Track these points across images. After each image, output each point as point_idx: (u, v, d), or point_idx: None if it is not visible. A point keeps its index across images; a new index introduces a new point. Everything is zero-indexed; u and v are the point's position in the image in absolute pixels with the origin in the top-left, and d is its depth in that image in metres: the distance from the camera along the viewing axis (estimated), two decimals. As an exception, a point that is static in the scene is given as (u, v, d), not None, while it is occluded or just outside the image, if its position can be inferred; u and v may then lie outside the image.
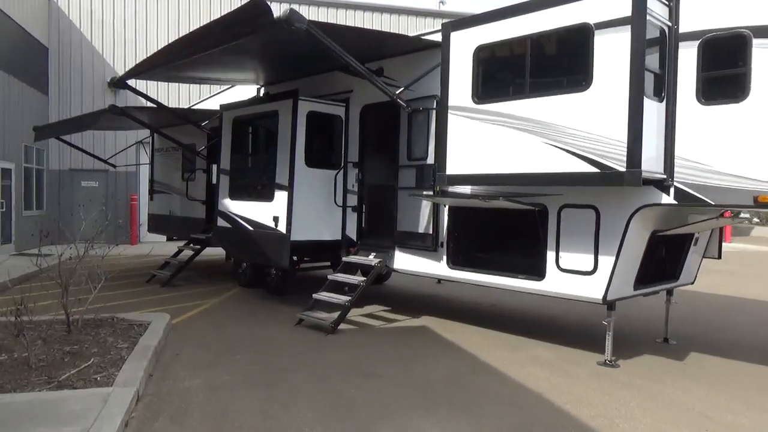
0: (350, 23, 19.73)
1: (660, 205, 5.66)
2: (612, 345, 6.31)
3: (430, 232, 7.60)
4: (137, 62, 9.28)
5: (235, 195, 9.66)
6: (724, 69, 5.34)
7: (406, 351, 6.69)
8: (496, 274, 6.92)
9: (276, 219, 8.53)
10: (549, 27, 5.85)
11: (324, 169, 8.80)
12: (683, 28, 5.53)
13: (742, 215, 6.64)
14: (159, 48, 16.42)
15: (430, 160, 7.53)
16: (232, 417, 4.61)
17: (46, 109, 18.24)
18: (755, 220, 28.98)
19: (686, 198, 5.50)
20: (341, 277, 8.20)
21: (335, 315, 7.57)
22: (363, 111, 8.69)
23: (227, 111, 9.93)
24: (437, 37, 7.25)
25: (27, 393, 4.59)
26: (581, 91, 5.60)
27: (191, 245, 11.76)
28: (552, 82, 5.95)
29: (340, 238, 8.97)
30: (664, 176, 5.57)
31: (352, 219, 8.86)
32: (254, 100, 9.97)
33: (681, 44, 5.54)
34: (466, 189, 7.08)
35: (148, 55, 8.72)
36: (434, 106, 7.40)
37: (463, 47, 6.61)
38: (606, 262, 5.95)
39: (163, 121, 11.97)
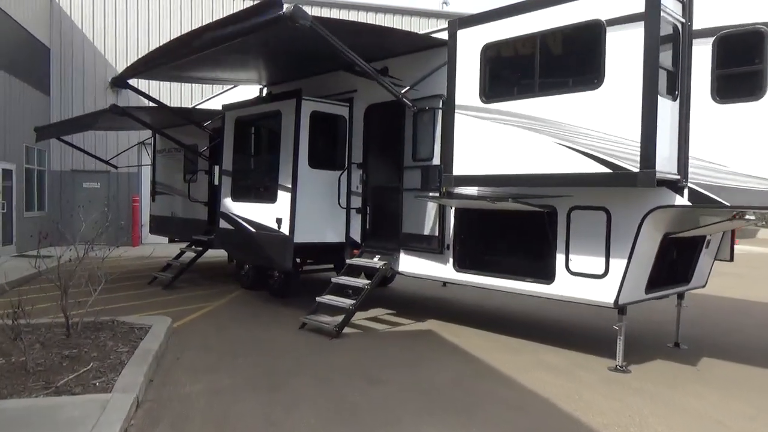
0: (353, 24, 19.59)
1: (673, 206, 5.52)
2: (623, 350, 6.16)
3: (436, 234, 7.46)
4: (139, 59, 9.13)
5: (237, 196, 9.54)
6: (739, 66, 5.20)
7: (411, 355, 6.55)
8: (504, 277, 6.77)
9: (279, 221, 8.41)
10: (559, 24, 5.71)
11: (327, 170, 8.67)
12: (697, 24, 5.39)
13: (747, 217, 6.49)
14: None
15: (436, 160, 7.40)
16: (233, 422, 4.48)
17: (48, 110, 18.15)
18: (761, 222, 28.79)
19: (701, 199, 5.36)
20: (345, 280, 8.06)
21: (339, 319, 7.44)
22: (367, 111, 8.56)
23: (229, 111, 9.81)
24: (443, 36, 7.13)
25: (24, 399, 4.46)
26: (592, 89, 5.46)
27: (193, 247, 11.65)
28: (562, 80, 5.82)
29: (343, 240, 8.84)
30: (678, 177, 5.43)
31: (356, 221, 8.73)
32: (257, 100, 9.84)
33: (695, 41, 5.40)
34: (473, 190, 6.95)
35: (150, 50, 8.61)
36: (440, 106, 7.27)
37: (470, 45, 6.48)
38: (617, 265, 5.81)
39: (165, 121, 11.86)
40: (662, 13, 5.11)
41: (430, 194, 7.38)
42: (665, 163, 5.30)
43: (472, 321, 8.32)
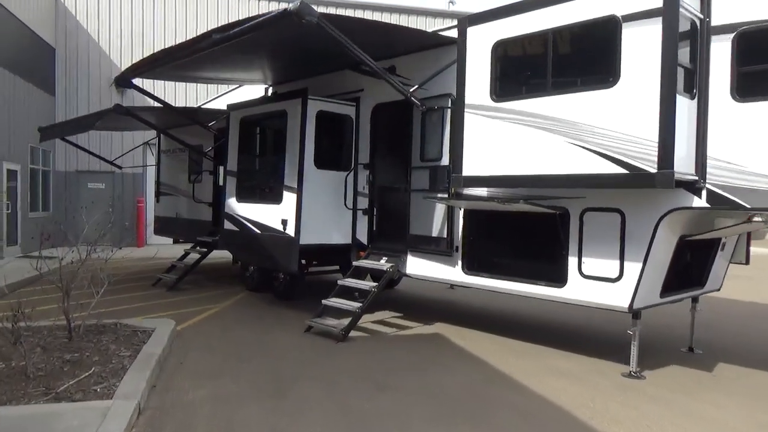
0: (359, 23, 19.47)
1: (691, 208, 5.34)
2: (637, 355, 6.00)
3: (445, 235, 7.31)
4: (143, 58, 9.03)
5: (242, 197, 9.42)
6: (760, 64, 5.03)
7: (419, 359, 6.41)
8: (514, 280, 6.62)
9: (284, 222, 8.28)
10: (573, 20, 5.55)
11: (334, 171, 8.54)
12: (716, 20, 5.22)
13: (756, 219, 6.30)
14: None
15: (445, 161, 7.26)
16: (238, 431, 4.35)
17: (53, 110, 18.10)
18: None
19: (719, 201, 5.19)
20: (351, 282, 7.92)
21: (345, 322, 7.30)
22: (374, 110, 8.42)
23: (234, 111, 9.69)
24: (452, 33, 6.98)
25: (22, 406, 4.33)
26: (608, 87, 5.30)
27: (198, 248, 11.54)
28: (576, 78, 5.65)
29: (350, 241, 8.70)
30: (696, 178, 5.26)
31: (363, 222, 8.59)
32: (262, 100, 9.72)
33: (713, 37, 5.23)
34: (482, 191, 6.80)
35: (154, 53, 8.51)
36: (449, 105, 7.12)
37: (480, 43, 6.33)
38: (632, 268, 5.64)
39: (170, 121, 11.76)
40: (680, 9, 4.95)
41: (439, 195, 7.23)
42: (683, 163, 5.14)
43: (479, 324, 8.17)
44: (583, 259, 6.00)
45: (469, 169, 6.45)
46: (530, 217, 6.44)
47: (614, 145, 5.23)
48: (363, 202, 8.58)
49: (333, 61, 8.41)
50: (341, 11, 20.09)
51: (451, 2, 22.58)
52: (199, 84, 18.47)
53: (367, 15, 20.48)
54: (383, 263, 7.93)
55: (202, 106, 13.40)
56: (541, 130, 5.79)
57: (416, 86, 6.95)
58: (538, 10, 5.83)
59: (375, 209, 8.53)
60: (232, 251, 10.43)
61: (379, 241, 8.43)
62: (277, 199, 8.54)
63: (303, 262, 9.15)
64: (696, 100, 5.28)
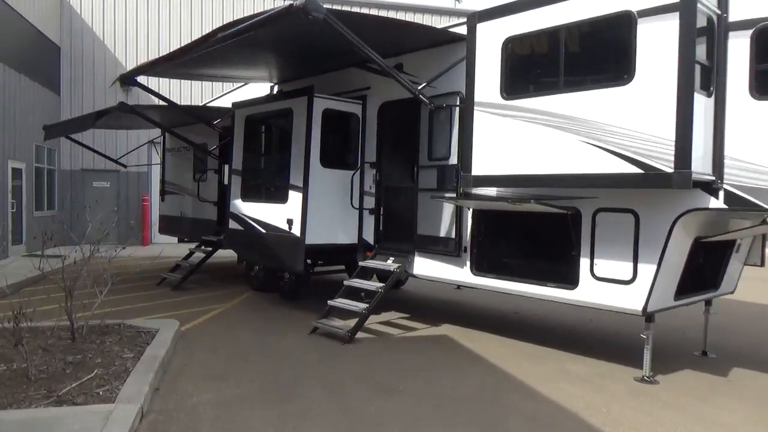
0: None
1: (707, 209, 5.20)
2: (650, 360, 5.86)
3: (453, 236, 7.19)
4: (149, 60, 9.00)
5: (247, 196, 9.32)
6: (781, 61, 4.89)
7: (428, 363, 6.29)
8: (524, 281, 6.49)
9: (290, 221, 8.17)
10: (586, 16, 5.40)
11: (340, 170, 8.43)
12: (733, 16, 5.08)
13: None
14: (171, 47, 16.22)
15: (453, 160, 7.13)
16: (243, 437, 4.25)
17: (58, 109, 18.06)
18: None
19: (737, 202, 5.04)
20: (358, 282, 7.81)
21: (351, 323, 7.19)
22: (381, 109, 8.30)
23: (239, 109, 9.60)
24: (461, 30, 6.86)
25: (22, 410, 4.24)
26: (622, 85, 5.15)
27: (202, 247, 11.46)
28: (589, 75, 5.50)
29: (356, 241, 8.59)
30: (713, 178, 5.11)
31: (369, 222, 8.47)
32: (268, 98, 9.62)
33: (731, 34, 5.08)
34: (492, 191, 6.67)
35: (158, 57, 8.44)
36: (457, 103, 7.00)
37: (490, 40, 6.19)
38: (646, 270, 5.50)
39: (174, 120, 11.69)
40: (698, 4, 4.80)
41: (447, 195, 7.11)
42: (700, 163, 5.00)
43: (487, 326, 8.04)
44: (595, 260, 5.87)
45: (478, 169, 6.32)
46: (541, 217, 6.31)
47: (629, 144, 5.09)
48: (369, 202, 8.47)
49: (339, 58, 8.29)
50: (347, 8, 19.99)
51: (458, 0, 22.42)
52: (204, 82, 18.40)
53: (372, 12, 20.36)
54: (390, 264, 7.81)
55: (207, 105, 13.31)
56: (552, 129, 5.65)
57: (425, 84, 6.82)
58: (550, 5, 5.68)
59: (381, 209, 8.41)
60: (237, 251, 10.34)
61: (386, 241, 8.32)
62: (282, 198, 8.44)
63: (308, 262, 9.05)
64: (713, 98, 5.14)
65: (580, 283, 5.99)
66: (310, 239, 7.99)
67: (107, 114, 10.57)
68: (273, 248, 8.59)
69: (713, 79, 5.13)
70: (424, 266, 7.63)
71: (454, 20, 7.87)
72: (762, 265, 7.21)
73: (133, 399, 4.46)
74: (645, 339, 5.83)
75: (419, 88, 6.80)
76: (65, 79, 18.44)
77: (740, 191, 5.03)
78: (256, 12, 6.23)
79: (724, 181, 5.11)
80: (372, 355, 6.53)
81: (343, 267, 10.07)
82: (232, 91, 12.17)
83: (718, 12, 5.11)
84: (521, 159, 5.95)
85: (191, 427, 4.38)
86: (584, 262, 5.95)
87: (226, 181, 10.49)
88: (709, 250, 6.30)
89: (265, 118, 9.43)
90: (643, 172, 5.02)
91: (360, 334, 7.20)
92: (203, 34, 7.13)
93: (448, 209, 7.29)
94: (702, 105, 5.03)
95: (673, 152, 4.78)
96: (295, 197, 8.19)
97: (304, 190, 8.02)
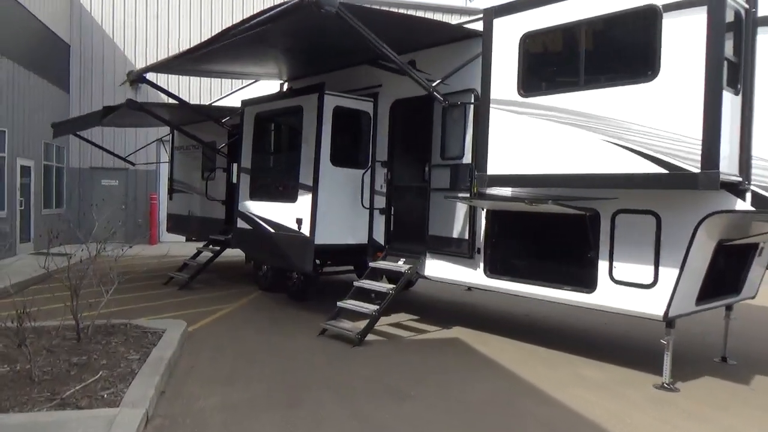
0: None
1: (733, 211, 5.00)
2: (670, 366, 5.67)
3: (466, 237, 7.02)
4: (158, 59, 8.90)
5: (256, 195, 9.19)
6: (813, 57, 4.68)
7: (440, 366, 6.13)
8: (539, 284, 6.30)
9: (299, 221, 8.03)
10: (608, 11, 5.21)
11: (350, 169, 8.28)
12: (763, 10, 4.87)
13: None
14: (180, 45, 16.14)
15: (467, 159, 6.96)
16: (251, 444, 4.10)
17: (67, 107, 18.04)
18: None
19: (765, 204, 4.84)
20: (368, 284, 7.65)
21: (361, 325, 7.04)
22: (393, 107, 8.14)
23: (249, 106, 9.47)
24: (477, 26, 6.69)
25: (24, 414, 4.12)
26: (646, 81, 4.96)
27: (210, 246, 11.35)
28: (611, 72, 5.31)
29: (366, 242, 8.43)
30: (740, 179, 4.91)
31: (380, 222, 8.31)
32: (277, 95, 9.49)
33: (759, 29, 4.88)
34: (506, 191, 6.49)
35: (169, 57, 8.32)
36: (472, 101, 6.83)
37: (507, 35, 6.01)
38: (668, 274, 5.31)
39: (183, 117, 11.59)
40: (726, -2, 4.61)
41: (460, 195, 6.94)
42: (726, 163, 4.79)
43: (499, 328, 7.87)
44: (614, 263, 5.68)
45: (494, 168, 6.14)
46: (557, 218, 6.12)
47: (652, 143, 4.90)
48: (380, 201, 8.31)
49: (350, 55, 8.14)
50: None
51: (469, -1, 22.22)
52: (213, 80, 18.33)
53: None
54: (401, 265, 7.65)
55: (216, 103, 13.21)
56: (571, 127, 5.46)
57: (439, 80, 6.65)
58: (570, 0, 5.50)
59: (392, 209, 8.25)
60: (245, 250, 10.22)
61: (397, 242, 8.15)
62: (292, 197, 8.29)
63: (317, 262, 8.91)
64: (740, 95, 4.94)
65: (598, 286, 5.81)
66: (320, 239, 7.85)
67: (115, 111, 10.48)
68: (282, 248, 8.46)
69: (741, 76, 4.93)
70: (436, 268, 7.47)
71: (465, 19, 7.70)
72: (785, 269, 6.99)
73: (138, 403, 4.33)
74: (665, 345, 5.64)
75: (434, 84, 6.63)
76: (75, 76, 18.42)
77: (768, 193, 4.82)
78: (266, 8, 6.07)
79: (752, 182, 4.90)
80: (382, 358, 6.38)
81: (351, 268, 9.93)
82: (240, 89, 12.06)
83: (746, 6, 4.91)
84: (538, 158, 5.77)
85: (198, 432, 4.25)
86: (603, 265, 5.77)
87: (234, 180, 10.37)
88: (731, 254, 6.09)
89: (275, 115, 9.29)
90: (667, 172, 4.82)
91: (369, 336, 7.05)
92: (212, 31, 7.02)
93: (461, 209, 7.12)
94: (729, 103, 4.83)
95: (699, 152, 4.58)
96: (304, 196, 8.04)
97: (314, 189, 7.88)
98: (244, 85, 11.99)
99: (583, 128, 5.38)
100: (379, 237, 8.31)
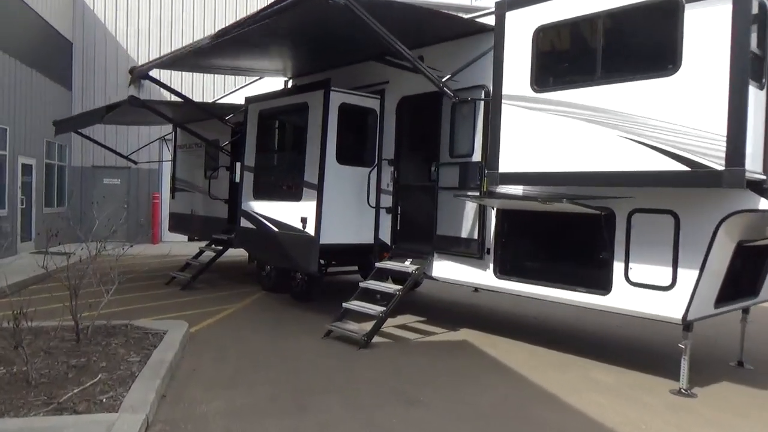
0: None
1: (757, 211, 4.81)
2: (688, 371, 5.48)
3: (475, 237, 6.84)
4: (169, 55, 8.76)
5: (259, 194, 9.02)
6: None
7: (448, 370, 5.94)
8: (552, 286, 6.12)
9: (304, 220, 7.86)
10: (627, 2, 5.02)
11: (356, 167, 8.10)
12: (788, 2, 4.70)
13: None
14: (183, 42, 16.00)
15: (476, 157, 6.79)
16: (255, 452, 3.93)
17: (69, 105, 17.91)
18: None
19: (791, 203, 4.65)
20: (374, 284, 7.48)
21: (367, 327, 6.86)
22: (400, 104, 7.97)
23: (253, 104, 9.30)
24: (487, 20, 6.51)
25: (20, 419, 3.95)
26: (667, 75, 4.77)
27: (213, 246, 11.19)
28: (629, 66, 5.11)
29: (372, 241, 8.25)
30: (764, 177, 4.73)
31: (386, 221, 8.14)
32: (282, 92, 9.32)
33: (784, 22, 4.70)
34: (517, 189, 6.31)
35: (174, 53, 8.16)
36: (482, 97, 6.65)
37: (520, 29, 5.83)
38: (687, 276, 5.13)
39: (186, 115, 11.43)
40: (751, -11, 4.43)
41: (470, 193, 6.76)
42: (750, 160, 4.61)
43: (508, 330, 7.69)
44: (631, 264, 5.50)
45: (505, 166, 5.95)
46: (570, 218, 5.95)
47: (673, 139, 4.71)
48: (387, 200, 8.13)
49: (357, 51, 7.98)
50: None
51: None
52: (216, 78, 18.19)
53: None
54: (408, 265, 7.47)
55: (219, 100, 13.06)
56: (587, 123, 5.28)
57: (449, 75, 6.46)
58: (586, -9, 5.31)
59: (399, 208, 8.08)
60: (248, 250, 10.06)
61: (404, 242, 7.98)
62: (296, 196, 8.12)
63: (322, 262, 8.74)
64: (765, 90, 4.75)
65: (613, 288, 5.62)
66: (325, 239, 7.68)
67: (117, 108, 10.33)
68: (286, 248, 8.29)
69: (765, 71, 4.74)
70: (444, 268, 7.29)
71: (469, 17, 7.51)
72: (804, 271, 6.78)
73: (138, 408, 4.16)
74: (683, 349, 5.45)
75: (443, 80, 6.45)
76: (77, 74, 18.30)
77: (793, 192, 4.64)
78: (273, 0, 5.90)
79: (776, 181, 4.73)
80: (389, 361, 6.20)
81: (356, 268, 9.76)
82: (244, 86, 11.90)
83: (771, -2, 4.73)
84: (552, 155, 5.58)
85: (200, 439, 4.08)
86: (618, 266, 5.58)
87: (237, 179, 10.21)
88: (749, 255, 5.90)
89: (280, 113, 9.13)
90: (689, 169, 4.64)
91: (375, 338, 6.87)
92: (215, 27, 6.87)
93: (470, 208, 6.95)
94: (753, 97, 4.64)
95: (723, 148, 4.40)
96: (309, 195, 7.87)
97: (319, 187, 7.70)
98: (247, 82, 11.83)
99: (599, 124, 5.20)
100: (386, 237, 8.13)
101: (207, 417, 4.46)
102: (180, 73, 17.22)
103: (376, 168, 8.17)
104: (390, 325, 7.67)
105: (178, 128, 12.78)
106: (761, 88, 4.75)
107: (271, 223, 8.56)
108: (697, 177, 4.60)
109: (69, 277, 5.67)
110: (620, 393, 5.40)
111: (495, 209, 6.67)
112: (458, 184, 6.97)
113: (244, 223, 9.15)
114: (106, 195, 17.49)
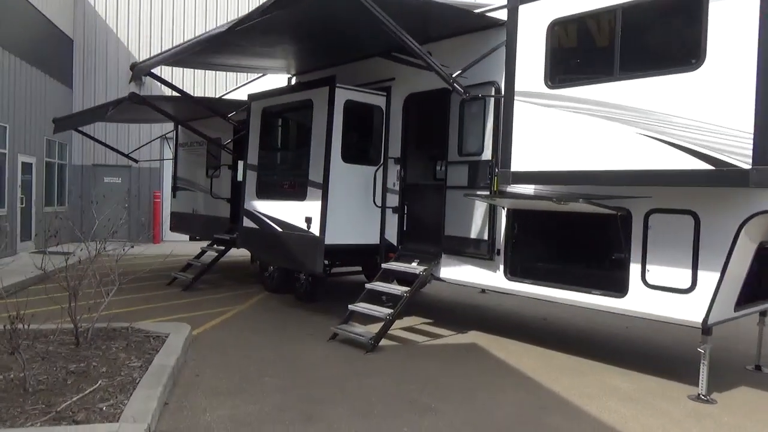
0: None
1: (782, 211, 4.63)
2: (707, 377, 5.30)
3: (485, 237, 6.66)
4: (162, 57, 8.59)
5: (263, 193, 8.84)
6: None
7: (460, 377, 5.76)
8: (565, 288, 5.94)
9: (308, 220, 7.68)
10: (647, -6, 4.85)
11: (362, 165, 7.93)
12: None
13: None
14: (185, 39, 15.80)
15: (486, 155, 6.62)
16: (262, 464, 3.76)
17: (70, 102, 17.74)
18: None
19: (817, 203, 4.47)
20: (381, 286, 7.30)
21: (374, 330, 6.69)
22: (406, 101, 7.78)
23: (256, 101, 9.12)
24: (499, 15, 6.33)
25: (16, 429, 3.77)
26: (690, 70, 4.58)
27: (215, 246, 11.01)
28: (649, 60, 4.93)
29: (378, 242, 8.08)
30: (790, 176, 4.53)
31: (393, 221, 7.96)
32: (286, 89, 9.14)
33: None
34: (529, 189, 6.13)
35: (175, 50, 7.97)
36: (492, 94, 6.47)
37: (534, 23, 5.64)
38: (708, 278, 4.95)
39: (187, 112, 11.25)
40: (778, -21, 4.24)
41: (480, 193, 6.58)
42: (775, 159, 4.42)
43: (517, 333, 7.52)
44: (648, 266, 5.32)
45: (518, 164, 5.77)
46: (584, 218, 5.77)
47: (695, 137, 4.53)
48: (393, 200, 7.95)
49: (362, 47, 7.80)
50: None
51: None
52: (218, 75, 18.01)
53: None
54: (416, 266, 7.30)
55: (222, 97, 12.88)
56: (604, 120, 5.09)
57: (459, 71, 6.27)
58: (603, -17, 5.12)
59: (406, 207, 7.90)
60: (251, 250, 9.89)
61: (410, 242, 7.80)
62: (300, 195, 7.95)
63: (327, 262, 8.57)
64: (791, 86, 4.56)
65: (629, 290, 5.44)
66: (330, 239, 7.50)
67: (118, 105, 10.15)
68: (290, 248, 8.11)
69: (791, 65, 4.55)
70: (453, 270, 7.11)
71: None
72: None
73: (140, 417, 3.98)
74: (701, 354, 5.27)
75: (453, 76, 6.26)
76: (78, 72, 18.14)
77: (821, 192, 4.45)
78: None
79: (802, 180, 4.53)
80: (398, 366, 6.02)
81: (360, 269, 9.58)
82: (246, 83, 11.72)
83: (798, -11, 4.53)
84: (567, 154, 5.40)
85: (204, 450, 3.91)
86: (635, 268, 5.40)
87: (240, 177, 10.03)
88: (765, 257, 5.72)
89: (283, 110, 8.94)
90: (713, 168, 4.45)
91: (382, 341, 6.69)
92: (217, 24, 6.69)
93: (479, 208, 6.77)
94: (780, 94, 4.45)
95: (750, 146, 4.21)
96: (314, 194, 7.69)
97: (324, 186, 7.53)
98: (250, 79, 11.65)
99: (617, 121, 5.01)
100: (392, 237, 7.96)
101: (211, 426, 4.28)
102: (182, 70, 17.07)
103: (382, 167, 7.99)
104: (397, 327, 7.49)
105: (179, 126, 12.61)
106: (788, 84, 4.55)
107: (274, 222, 8.38)
108: (721, 176, 4.41)
109: (68, 278, 5.50)
110: (638, 400, 5.22)
111: (505, 209, 6.49)
112: (467, 183, 6.80)
113: (247, 222, 8.98)
114: (106, 194, 17.30)
